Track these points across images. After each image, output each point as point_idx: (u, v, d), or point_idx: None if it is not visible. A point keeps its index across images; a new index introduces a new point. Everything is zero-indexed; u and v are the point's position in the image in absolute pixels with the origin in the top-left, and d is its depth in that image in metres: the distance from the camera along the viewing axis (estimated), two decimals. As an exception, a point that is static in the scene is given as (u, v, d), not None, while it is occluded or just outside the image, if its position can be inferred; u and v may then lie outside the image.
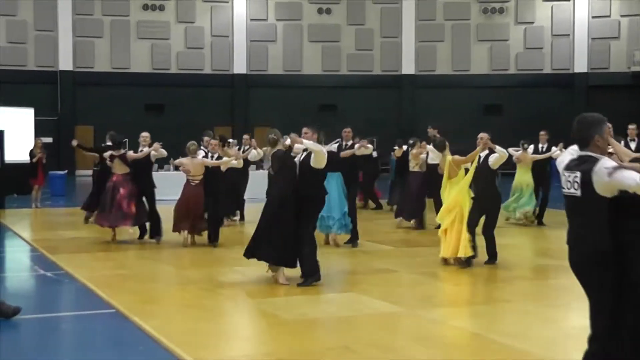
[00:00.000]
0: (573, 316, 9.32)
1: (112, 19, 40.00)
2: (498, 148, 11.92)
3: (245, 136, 20.01)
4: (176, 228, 14.25)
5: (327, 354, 7.36)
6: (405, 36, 42.04)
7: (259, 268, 10.79)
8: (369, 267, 11.87)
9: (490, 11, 42.15)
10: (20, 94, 35.09)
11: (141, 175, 14.91)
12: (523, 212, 17.91)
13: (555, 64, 42.03)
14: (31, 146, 22.99)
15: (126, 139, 23.77)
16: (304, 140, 10.69)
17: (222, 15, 41.15)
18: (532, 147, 18.32)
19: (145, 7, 40.34)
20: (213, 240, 14.16)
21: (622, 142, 17.77)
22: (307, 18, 41.81)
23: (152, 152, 15.03)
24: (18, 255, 14.56)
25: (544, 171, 18.27)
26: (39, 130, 29.26)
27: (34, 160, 22.32)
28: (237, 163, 14.92)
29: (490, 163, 11.82)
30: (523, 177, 18.05)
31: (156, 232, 14.79)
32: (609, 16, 41.54)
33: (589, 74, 41.57)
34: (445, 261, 11.94)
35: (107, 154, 15.25)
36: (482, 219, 11.94)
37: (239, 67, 41.24)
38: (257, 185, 19.20)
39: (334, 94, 41.10)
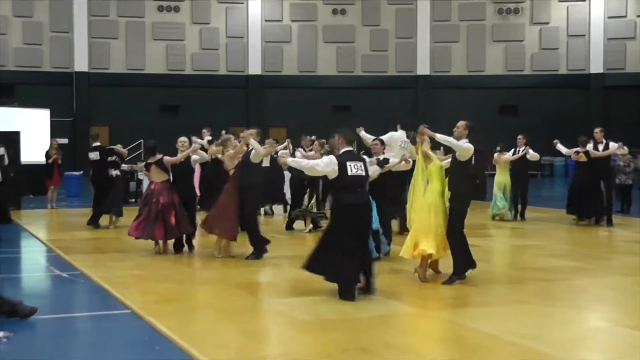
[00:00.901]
0: (590, 317, 9.28)
1: (128, 20, 40.12)
2: (439, 136, 10.77)
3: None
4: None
5: (343, 354, 7.32)
6: (420, 37, 41.99)
7: (275, 268, 10.76)
8: (385, 268, 11.82)
9: (506, 11, 42.04)
10: (36, 95, 35.31)
11: (181, 181, 13.71)
12: (498, 210, 19.40)
13: (571, 64, 41.88)
14: (47, 147, 23.06)
15: (141, 140, 23.78)
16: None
17: (237, 16, 41.20)
18: (529, 150, 19.39)
19: (161, 8, 40.43)
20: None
21: (591, 145, 18.28)
22: (321, 19, 41.81)
23: (193, 156, 13.75)
24: (34, 255, 14.60)
25: (522, 172, 19.67)
26: (55, 131, 29.41)
27: (50, 161, 22.38)
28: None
29: (457, 155, 10.79)
30: (500, 178, 19.46)
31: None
32: (625, 16, 41.36)
33: (604, 75, 41.40)
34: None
35: (141, 163, 14.78)
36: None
37: (254, 68, 41.27)
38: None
39: (348, 95, 41.08)
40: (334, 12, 41.86)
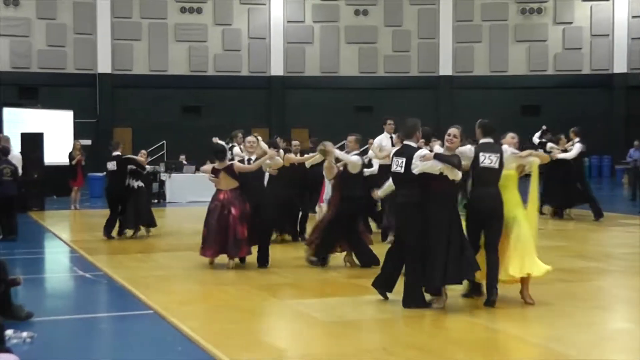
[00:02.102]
0: (613, 318, 9.23)
1: (150, 21, 40.27)
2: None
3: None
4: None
5: (364, 355, 7.32)
6: (443, 37, 41.87)
7: (295, 269, 10.78)
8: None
9: (529, 11, 41.86)
10: (59, 96, 35.56)
11: (250, 189, 12.19)
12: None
13: (595, 64, 41.62)
14: (70, 148, 23.22)
15: (164, 141, 23.67)
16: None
17: (259, 17, 41.26)
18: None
19: (183, 10, 40.56)
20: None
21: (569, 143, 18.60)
22: (344, 19, 41.79)
23: (267, 162, 12.46)
24: (57, 256, 14.70)
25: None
26: (78, 133, 29.57)
27: (73, 162, 22.57)
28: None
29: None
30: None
31: (264, 258, 12.30)
32: (649, 16, 41.06)
33: (628, 75, 41.12)
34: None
35: (206, 168, 12.85)
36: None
37: (276, 69, 41.31)
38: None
39: (370, 96, 41.02)
40: (356, 12, 41.83)
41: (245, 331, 8.27)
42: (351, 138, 12.22)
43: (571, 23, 41.84)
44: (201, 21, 40.79)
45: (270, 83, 41.24)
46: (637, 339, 8.00)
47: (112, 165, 16.31)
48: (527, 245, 9.32)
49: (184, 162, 26.98)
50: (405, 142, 9.51)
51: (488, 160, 9.25)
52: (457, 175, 9.05)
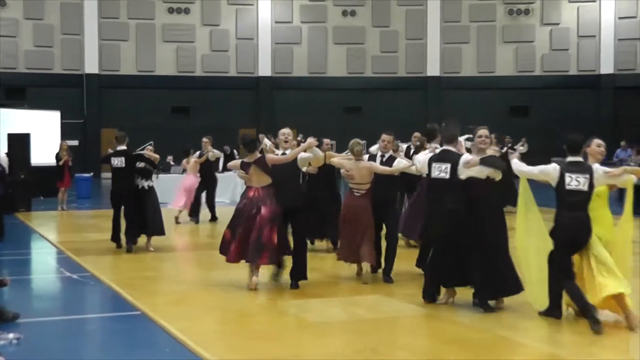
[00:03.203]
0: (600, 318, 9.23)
1: (138, 22, 40.19)
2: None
3: (204, 139, 19.27)
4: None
5: (353, 356, 7.31)
6: (431, 38, 41.92)
7: (284, 270, 10.72)
8: (394, 270, 11.78)
9: (516, 12, 41.94)
10: (46, 97, 35.44)
11: (285, 191, 10.50)
12: None
13: (582, 65, 41.74)
14: (57, 149, 23.11)
15: (151, 142, 23.53)
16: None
17: (247, 18, 41.23)
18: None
19: (171, 10, 40.49)
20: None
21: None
22: (331, 20, 41.79)
23: (303, 155, 10.63)
24: (44, 257, 14.63)
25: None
26: (65, 133, 29.44)
27: (60, 163, 22.45)
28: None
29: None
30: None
31: (300, 273, 10.64)
32: (635, 17, 41.19)
33: (615, 75, 41.25)
34: None
35: (234, 163, 11.14)
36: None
37: (264, 69, 41.29)
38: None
39: (358, 96, 41.05)
40: (344, 13, 41.84)
41: (234, 332, 8.24)
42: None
43: (558, 24, 41.94)
44: (189, 22, 40.73)
45: (258, 84, 41.21)
46: (625, 339, 8.02)
47: (119, 162, 13.98)
48: (604, 266, 8.35)
49: (172, 162, 26.90)
50: (445, 147, 9.25)
51: (575, 182, 8.41)
52: (499, 175, 9.00)
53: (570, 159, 8.57)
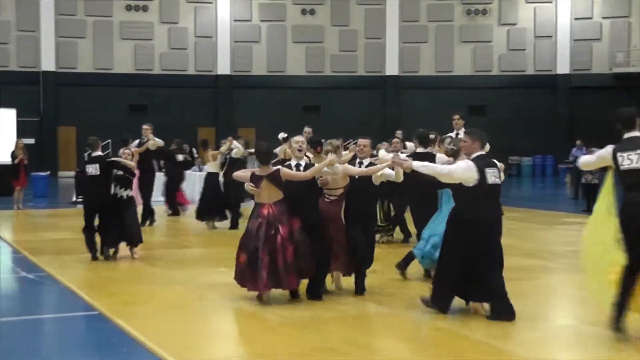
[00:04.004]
0: (556, 316, 9.35)
1: (95, 19, 39.87)
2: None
3: (145, 126, 18.75)
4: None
5: (313, 355, 7.31)
6: (389, 37, 42.10)
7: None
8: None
9: (474, 12, 42.27)
10: (2, 94, 35.06)
11: (301, 206, 9.50)
12: None
13: (538, 65, 42.20)
14: (13, 147, 22.84)
15: (109, 140, 23.18)
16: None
17: (206, 16, 41.08)
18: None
19: (129, 8, 40.22)
20: None
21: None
22: (291, 19, 41.79)
23: (326, 169, 9.43)
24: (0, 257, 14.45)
25: None
26: (21, 131, 29.14)
27: (16, 161, 22.20)
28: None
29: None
30: None
31: (317, 291, 9.66)
32: (591, 18, 41.75)
33: (571, 75, 41.77)
34: None
35: (242, 174, 9.94)
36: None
37: (223, 68, 41.18)
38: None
39: (318, 95, 41.11)
40: (303, 12, 41.85)
41: (193, 332, 8.21)
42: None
43: (515, 24, 42.34)
44: (147, 19, 40.49)
45: (217, 82, 41.09)
46: (580, 335, 8.12)
47: (93, 169, 12.98)
48: None
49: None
50: (482, 152, 8.72)
51: (627, 160, 7.64)
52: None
53: (626, 135, 7.77)
